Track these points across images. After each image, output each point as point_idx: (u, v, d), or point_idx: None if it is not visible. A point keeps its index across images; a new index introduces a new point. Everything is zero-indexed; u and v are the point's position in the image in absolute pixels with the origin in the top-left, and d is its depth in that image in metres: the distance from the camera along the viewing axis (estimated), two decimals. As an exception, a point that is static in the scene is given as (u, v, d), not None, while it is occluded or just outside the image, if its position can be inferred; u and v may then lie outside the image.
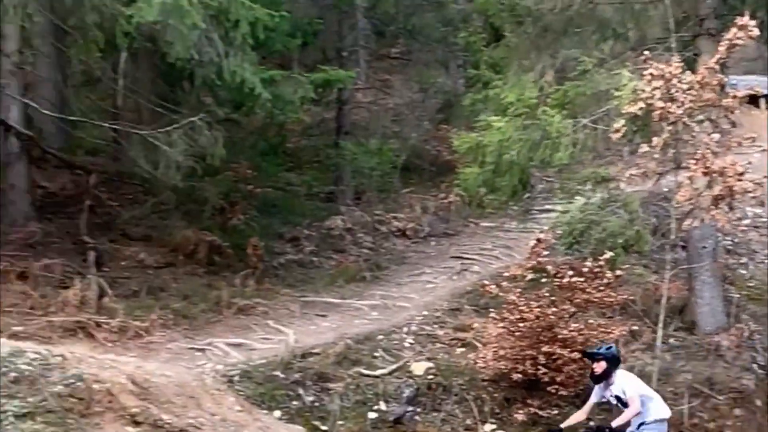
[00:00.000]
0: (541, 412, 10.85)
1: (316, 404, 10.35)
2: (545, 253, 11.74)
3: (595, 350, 9.16)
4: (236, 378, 10.02)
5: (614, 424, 8.83)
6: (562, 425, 9.12)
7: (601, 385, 8.97)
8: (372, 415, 10.55)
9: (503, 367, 11.17)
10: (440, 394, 11.09)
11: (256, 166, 17.28)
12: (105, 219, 14.95)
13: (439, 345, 12.11)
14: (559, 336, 11.15)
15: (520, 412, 10.90)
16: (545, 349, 11.02)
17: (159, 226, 14.83)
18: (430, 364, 11.45)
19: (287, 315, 12.87)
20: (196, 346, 11.22)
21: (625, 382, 8.93)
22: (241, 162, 16.50)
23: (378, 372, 11.07)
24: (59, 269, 12.52)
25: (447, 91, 21.40)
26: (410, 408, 10.75)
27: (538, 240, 11.91)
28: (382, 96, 22.66)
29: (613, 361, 8.95)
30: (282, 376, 10.42)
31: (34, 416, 6.27)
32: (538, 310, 11.14)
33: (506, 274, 12.24)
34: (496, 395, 11.14)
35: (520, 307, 11.18)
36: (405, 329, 12.35)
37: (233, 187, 16.01)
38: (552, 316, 11.16)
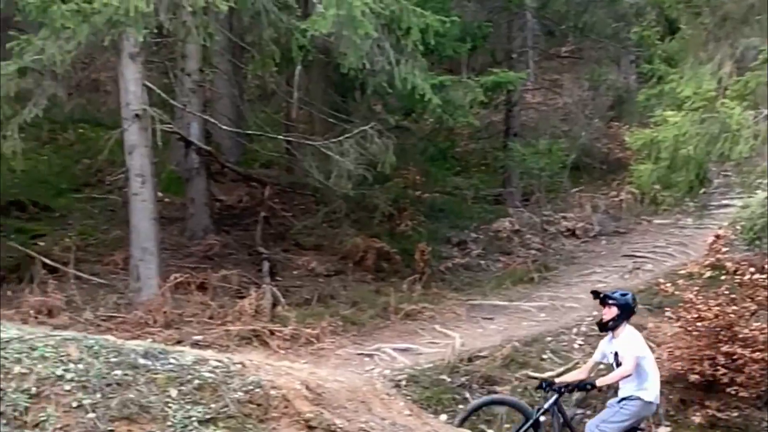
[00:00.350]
0: (719, 414, 10.56)
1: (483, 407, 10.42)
2: (724, 249, 11.46)
3: (609, 293, 8.50)
4: (404, 382, 10.28)
5: (599, 382, 8.32)
6: (557, 379, 8.69)
7: (608, 338, 8.39)
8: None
9: (679, 367, 10.93)
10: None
11: (425, 171, 17.58)
12: (279, 230, 15.60)
13: (610, 346, 11.97)
14: (740, 335, 10.82)
15: (697, 414, 10.63)
16: (725, 348, 10.70)
17: (329, 235, 15.33)
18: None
19: (454, 319, 13.06)
20: (364, 352, 11.56)
21: (629, 340, 8.22)
22: (410, 168, 16.82)
23: (546, 374, 11.06)
24: (236, 280, 13.20)
25: (618, 87, 21.08)
26: (580, 410, 10.68)
27: (717, 236, 11.67)
28: (552, 96, 22.57)
29: (626, 310, 8.28)
30: (448, 379, 10.59)
31: (216, 422, 6.61)
32: (717, 308, 10.86)
33: (682, 272, 12.01)
34: (671, 397, 10.88)
35: (698, 306, 10.94)
36: (574, 330, 12.29)
37: (402, 194, 16.33)
38: (732, 315, 10.85)
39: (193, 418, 6.53)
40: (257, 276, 13.55)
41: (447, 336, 12.13)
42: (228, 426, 6.69)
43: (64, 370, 6.10)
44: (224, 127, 15.42)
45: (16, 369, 5.88)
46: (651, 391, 8.30)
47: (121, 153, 13.21)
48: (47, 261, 13.12)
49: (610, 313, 8.28)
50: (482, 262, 15.71)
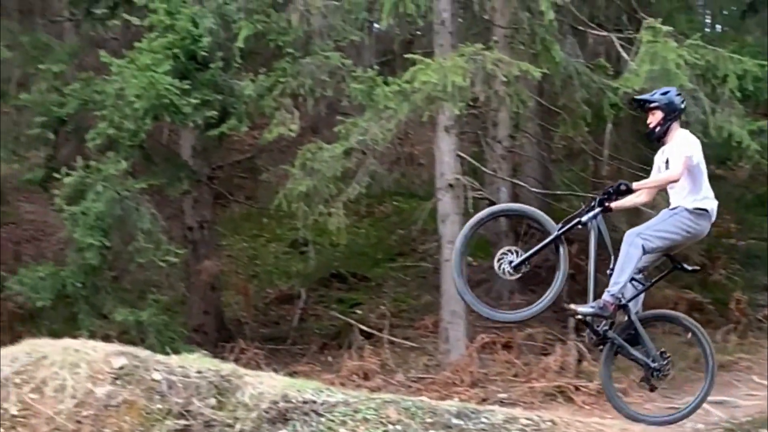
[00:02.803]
0: None
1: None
2: None
3: (646, 96, 7.44)
4: (718, 437, 10.15)
5: (636, 184, 7.27)
6: (612, 204, 7.53)
7: (661, 149, 7.36)
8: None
9: None
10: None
11: (741, 218, 17.16)
12: (584, 285, 15.75)
13: None
14: None
15: None
16: None
17: (637, 288, 15.32)
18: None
19: (773, 369, 12.66)
20: (675, 405, 11.45)
21: (679, 142, 7.16)
22: (725, 216, 16.48)
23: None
24: (541, 337, 13.59)
25: None
26: None
27: None
28: None
29: (671, 110, 7.22)
30: (769, 434, 10.31)
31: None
32: None
33: None
34: None
35: None
36: None
37: (715, 242, 16.00)
38: None
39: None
40: (562, 332, 13.86)
41: (765, 387, 11.81)
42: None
43: (384, 432, 6.81)
44: (532, 189, 15.93)
45: (341, 431, 6.64)
46: (703, 200, 7.29)
47: (433, 222, 13.98)
48: (364, 328, 14.27)
49: (655, 118, 7.32)
50: (804, 309, 15.06)
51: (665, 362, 7.54)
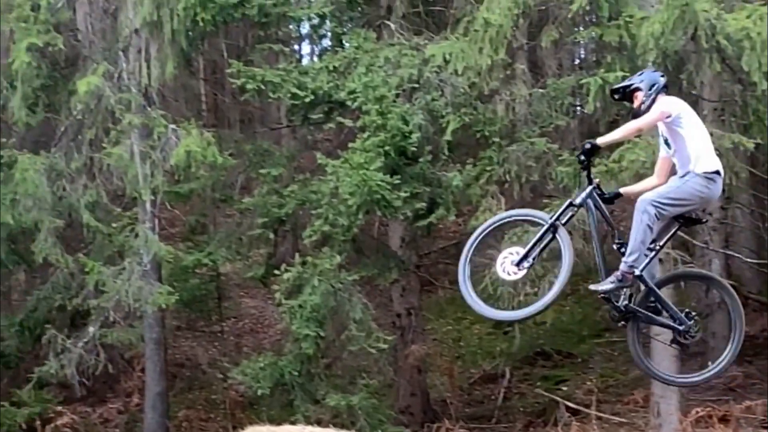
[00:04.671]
0: None
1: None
2: None
3: (622, 83, 7.31)
4: None
5: (600, 139, 6.99)
6: (622, 190, 7.47)
7: (660, 130, 7.16)
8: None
9: None
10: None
11: None
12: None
13: None
14: None
15: None
16: None
17: None
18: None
19: None
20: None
21: (661, 101, 6.99)
22: None
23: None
24: (760, 410, 13.61)
25: None
26: None
27: None
28: None
29: (650, 84, 7.04)
30: None
31: None
32: None
33: None
34: None
35: None
36: None
37: None
38: None
39: None
40: (787, 406, 13.86)
41: None
42: None
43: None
44: (746, 259, 15.91)
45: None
46: (708, 161, 7.11)
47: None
48: (570, 404, 14.78)
49: (638, 99, 7.16)
50: None
51: (692, 321, 7.34)
